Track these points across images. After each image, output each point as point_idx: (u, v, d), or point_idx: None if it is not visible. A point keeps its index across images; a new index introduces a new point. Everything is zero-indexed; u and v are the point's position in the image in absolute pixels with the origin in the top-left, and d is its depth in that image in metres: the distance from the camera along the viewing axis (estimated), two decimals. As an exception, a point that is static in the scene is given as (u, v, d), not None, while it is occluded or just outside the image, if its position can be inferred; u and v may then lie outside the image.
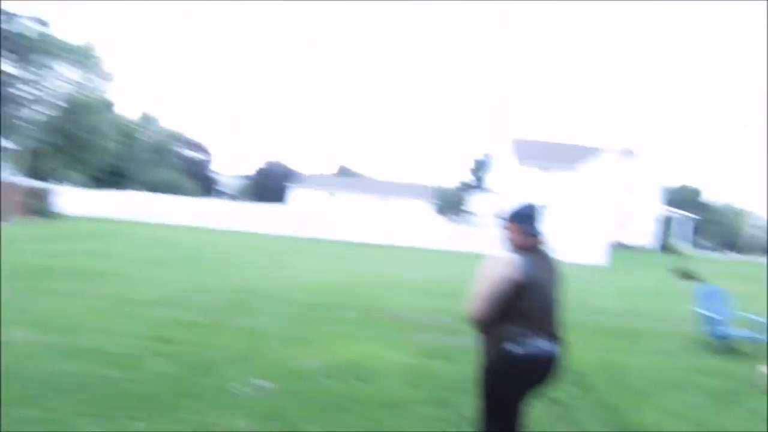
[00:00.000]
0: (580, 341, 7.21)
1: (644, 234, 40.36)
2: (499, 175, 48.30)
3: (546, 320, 2.76)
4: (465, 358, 5.82)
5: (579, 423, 4.32)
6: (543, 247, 2.89)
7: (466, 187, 65.42)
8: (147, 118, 62.49)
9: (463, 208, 54.79)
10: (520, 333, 2.67)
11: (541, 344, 2.69)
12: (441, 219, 43.89)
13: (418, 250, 23.34)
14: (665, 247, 39.38)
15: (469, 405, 4.48)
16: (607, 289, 13.92)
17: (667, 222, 43.83)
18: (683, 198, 63.53)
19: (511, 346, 2.67)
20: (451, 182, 70.27)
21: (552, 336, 2.75)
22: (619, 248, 34.24)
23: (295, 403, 4.20)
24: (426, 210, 51.05)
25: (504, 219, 2.91)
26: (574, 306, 10.21)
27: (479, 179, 62.34)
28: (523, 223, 2.85)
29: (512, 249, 2.83)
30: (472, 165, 68.15)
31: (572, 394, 4.95)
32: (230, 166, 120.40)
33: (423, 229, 26.11)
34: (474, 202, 50.67)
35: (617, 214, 39.70)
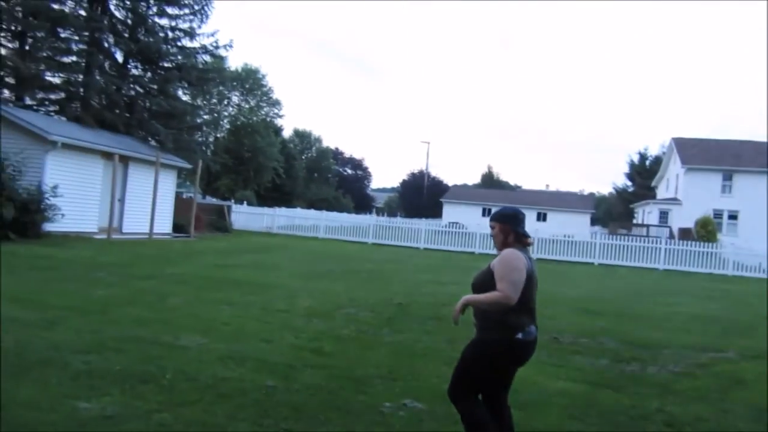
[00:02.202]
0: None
1: None
2: (664, 180, 44.09)
3: (535, 309, 3.14)
4: (639, 390, 5.19)
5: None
6: (528, 248, 3.22)
7: (626, 194, 60.55)
8: (307, 136, 66.83)
9: (625, 218, 50.74)
10: (525, 321, 3.04)
11: (533, 330, 3.09)
12: (599, 230, 41.11)
13: (573, 264, 21.96)
14: None
15: (645, 445, 3.94)
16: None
17: None
18: None
19: (520, 334, 3.02)
20: (607, 188, 65.39)
21: (535, 322, 3.13)
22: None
23: (447, 427, 3.97)
24: (583, 221, 48.15)
25: (495, 220, 3.24)
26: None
27: (639, 184, 57.34)
28: (513, 224, 3.20)
29: (501, 248, 3.17)
30: (627, 169, 62.83)
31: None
32: (376, 178, 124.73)
33: (579, 241, 24.50)
34: (639, 210, 46.61)
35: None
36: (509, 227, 3.21)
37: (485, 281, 3.08)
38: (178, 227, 20.39)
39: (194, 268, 11.64)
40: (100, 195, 16.90)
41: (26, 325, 5.61)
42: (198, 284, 9.43)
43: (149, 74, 24.87)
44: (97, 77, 22.85)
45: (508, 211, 3.32)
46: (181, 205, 21.54)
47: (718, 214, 35.49)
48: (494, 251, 3.24)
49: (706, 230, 31.03)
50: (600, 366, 5.98)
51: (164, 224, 19.69)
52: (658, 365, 6.17)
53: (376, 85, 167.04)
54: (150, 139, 24.25)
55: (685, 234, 31.46)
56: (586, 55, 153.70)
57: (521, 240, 3.20)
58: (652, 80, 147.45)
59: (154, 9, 24.01)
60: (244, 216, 28.01)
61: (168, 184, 20.14)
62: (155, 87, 24.27)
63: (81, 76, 22.47)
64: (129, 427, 3.50)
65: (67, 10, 21.53)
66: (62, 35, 22.13)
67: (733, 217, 36.21)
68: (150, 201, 18.12)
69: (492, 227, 3.26)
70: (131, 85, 24.44)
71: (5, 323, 5.57)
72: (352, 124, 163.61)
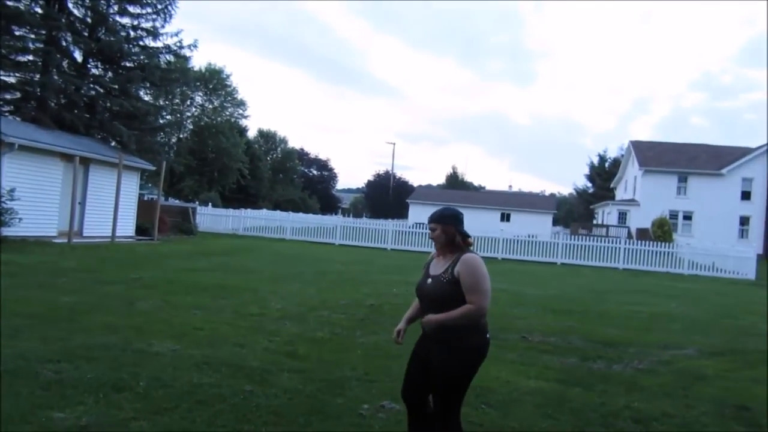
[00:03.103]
0: (740, 370, 6.40)
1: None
2: (623, 182, 45.39)
3: None
4: (606, 387, 5.36)
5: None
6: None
7: (586, 195, 62.10)
8: (272, 137, 66.23)
9: (586, 218, 52.03)
10: (486, 322, 3.09)
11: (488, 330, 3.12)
12: (560, 230, 42.00)
13: (537, 264, 22.41)
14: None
15: (616, 440, 4.09)
16: (760, 307, 12.34)
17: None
18: None
19: (488, 334, 3.10)
20: (567, 189, 67.13)
21: None
22: (766, 258, 30.56)
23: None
24: (546, 222, 49.10)
25: (436, 222, 3.15)
26: (728, 328, 9.18)
27: (598, 186, 58.92)
28: (456, 224, 3.12)
29: (448, 250, 3.13)
30: (587, 171, 64.49)
31: (738, 434, 4.34)
32: (341, 179, 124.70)
33: (542, 242, 25.00)
34: (599, 211, 47.85)
35: (767, 220, 35.55)
36: (452, 228, 3.12)
37: (450, 292, 3.00)
38: (142, 230, 19.96)
39: (161, 272, 11.43)
40: (60, 198, 16.40)
41: (-10, 334, 5.43)
42: (166, 288, 9.27)
43: (110, 74, 24.20)
44: (55, 77, 22.10)
45: (450, 212, 3.19)
46: (144, 207, 21.08)
47: (673, 215, 36.76)
48: None
49: (662, 230, 32.09)
50: (569, 364, 6.16)
51: (127, 227, 19.24)
52: (623, 363, 6.39)
53: (341, 87, 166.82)
54: (111, 140, 23.62)
55: (642, 234, 32.47)
56: (548, 57, 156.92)
57: (466, 241, 3.13)
58: (610, 82, 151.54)
59: (115, 8, 23.37)
60: (209, 218, 27.62)
61: (131, 186, 19.68)
62: (116, 87, 23.64)
63: (38, 76, 21.72)
64: (107, 436, 3.45)
65: (22, 7, 20.76)
66: (17, 33, 21.34)
67: (687, 217, 37.57)
68: (112, 203, 17.68)
69: (433, 229, 3.15)
70: (91, 85, 23.73)
71: (-32, 332, 5.39)
72: (317, 125, 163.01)
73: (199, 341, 5.96)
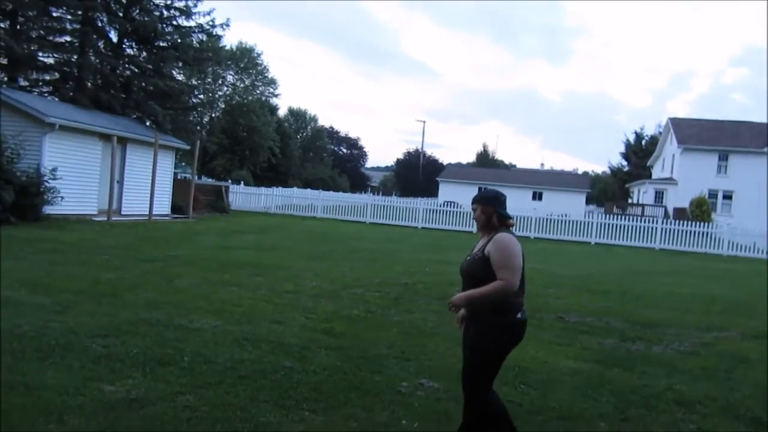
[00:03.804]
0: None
1: None
2: (660, 160, 44.20)
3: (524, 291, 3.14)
4: (646, 368, 5.29)
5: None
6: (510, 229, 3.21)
7: (621, 173, 60.69)
8: (302, 116, 66.39)
9: (620, 197, 50.97)
10: (521, 301, 3.09)
11: (524, 311, 3.12)
12: (594, 209, 41.29)
13: (570, 243, 22.11)
14: None
15: (658, 422, 4.04)
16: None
17: None
18: None
19: (520, 314, 3.07)
20: (601, 168, 65.81)
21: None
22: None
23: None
24: (579, 201, 48.30)
25: (477, 202, 3.24)
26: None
27: (634, 164, 57.45)
28: (495, 205, 3.19)
29: (486, 230, 3.20)
30: (622, 149, 62.81)
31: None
32: (371, 157, 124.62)
33: (575, 221, 24.60)
34: (634, 190, 46.79)
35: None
36: (491, 209, 3.20)
37: (481, 270, 3.06)
38: (177, 208, 20.35)
39: (197, 249, 11.66)
40: (99, 177, 16.80)
41: (40, 310, 5.64)
42: (203, 266, 9.46)
43: (144, 54, 24.50)
44: (92, 57, 22.49)
45: (490, 193, 3.29)
46: (178, 186, 21.46)
47: (713, 194, 35.67)
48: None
49: (700, 210, 31.24)
50: (607, 345, 6.09)
51: (163, 205, 19.63)
52: (663, 344, 6.29)
53: (371, 65, 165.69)
54: (147, 119, 24.02)
55: (680, 214, 31.65)
56: (585, 34, 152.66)
57: (504, 222, 3.20)
58: (647, 58, 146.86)
59: (149, -13, 23.56)
60: (242, 196, 27.95)
61: (166, 165, 20.04)
62: (151, 67, 23.91)
63: (75, 56, 22.10)
64: (155, 409, 3.56)
65: (59, -12, 21.10)
66: (55, 14, 21.71)
67: (727, 197, 36.42)
68: (149, 182, 18.03)
69: (474, 209, 3.26)
70: (126, 65, 24.08)
71: (20, 307, 5.60)
72: (347, 104, 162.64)
73: (238, 318, 6.08)
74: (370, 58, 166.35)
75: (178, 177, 29.09)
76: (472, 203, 3.29)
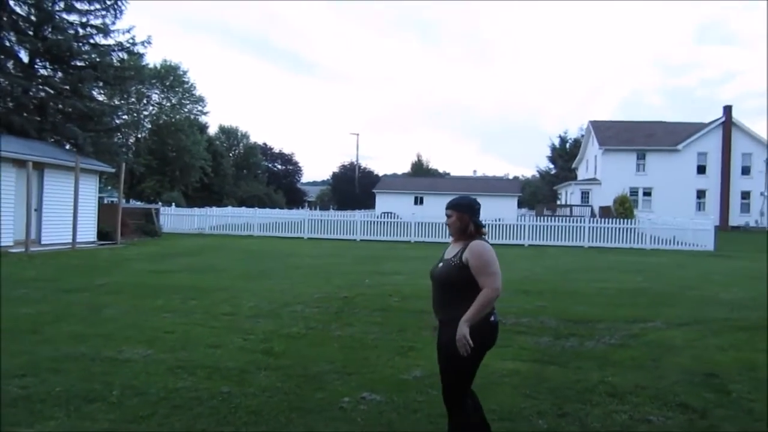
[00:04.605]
0: (706, 339, 6.62)
1: (750, 213, 37.11)
2: (584, 162, 46.29)
3: None
4: (580, 363, 5.47)
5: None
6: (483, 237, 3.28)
7: (549, 176, 63.13)
8: (234, 133, 65.18)
9: (550, 199, 52.93)
10: (492, 306, 3.14)
11: (496, 314, 3.21)
12: (526, 212, 42.68)
13: (505, 246, 22.71)
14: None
15: (592, 415, 4.17)
16: (720, 277, 12.82)
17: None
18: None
19: (493, 317, 3.16)
20: (531, 171, 68.43)
21: None
22: (723, 229, 31.69)
23: (406, 417, 4.05)
24: (511, 205, 49.77)
25: (453, 209, 3.27)
26: (692, 299, 9.47)
27: (560, 167, 59.95)
28: (471, 214, 3.25)
29: (462, 237, 3.24)
30: (549, 152, 65.58)
31: (707, 400, 4.49)
32: (306, 172, 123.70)
33: (509, 225, 25.33)
34: (562, 191, 48.71)
35: (722, 193, 36.79)
36: (467, 217, 3.24)
37: (458, 276, 3.11)
38: (104, 234, 19.41)
39: (126, 276, 11.15)
40: (14, 205, 15.79)
41: (-51, 352, 5.20)
42: (133, 293, 9.04)
43: (60, 74, 23.37)
44: (0, 79, 21.24)
45: (465, 201, 3.31)
46: (105, 211, 20.48)
47: (634, 192, 37.73)
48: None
49: (624, 207, 32.92)
50: (543, 344, 6.26)
51: (88, 232, 18.68)
52: (595, 339, 6.53)
53: (302, 79, 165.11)
54: (66, 143, 22.86)
55: (605, 212, 33.24)
56: (506, 42, 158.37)
57: (479, 230, 3.25)
58: (567, 66, 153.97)
59: (62, 4, 22.52)
60: (173, 218, 27.04)
61: (89, 189, 19.08)
62: (68, 87, 22.84)
63: (-19, 79, 20.85)
64: (81, 449, 3.34)
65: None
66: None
67: (647, 193, 38.61)
68: (71, 209, 17.12)
69: (449, 215, 3.28)
70: (40, 86, 22.89)
71: (-76, 351, 5.15)
72: (279, 119, 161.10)
73: (172, 345, 5.83)
74: (300, 70, 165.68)
75: (105, 201, 27.86)
76: (447, 208, 3.31)
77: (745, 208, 37.14)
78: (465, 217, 3.25)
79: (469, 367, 3.13)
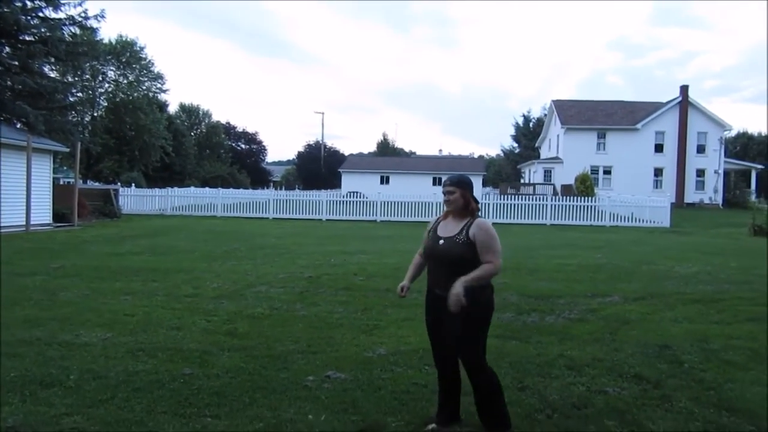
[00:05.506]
0: (661, 312, 6.85)
1: (704, 190, 38.40)
2: (547, 141, 46.97)
3: None
4: (540, 338, 5.60)
5: (671, 401, 4.02)
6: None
7: (513, 155, 63.90)
8: (195, 111, 63.68)
9: (514, 178, 53.63)
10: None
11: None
12: (490, 191, 43.17)
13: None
14: (729, 202, 37.41)
15: (551, 387, 4.28)
16: (675, 252, 13.27)
17: (733, 175, 41.56)
18: (746, 147, 60.04)
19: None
20: (495, 151, 69.27)
21: None
22: (679, 206, 32.74)
23: (371, 394, 4.08)
24: (476, 183, 50.22)
25: (457, 185, 3.34)
26: (647, 274, 9.77)
27: (524, 146, 60.73)
28: (469, 190, 3.35)
29: (462, 213, 3.34)
30: (513, 132, 66.30)
31: (660, 371, 4.66)
32: (271, 152, 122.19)
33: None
34: (526, 170, 49.39)
35: (678, 171, 37.91)
36: (469, 193, 3.36)
37: (468, 252, 3.23)
38: (60, 216, 18.82)
39: (84, 258, 10.86)
40: (-37, 186, 15.14)
41: None
42: (91, 275, 8.82)
43: (8, 49, 22.32)
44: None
45: (466, 178, 3.43)
46: (60, 192, 19.83)
47: (594, 170, 38.51)
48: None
49: (585, 186, 33.61)
50: (505, 319, 6.37)
51: (42, 214, 18.07)
52: (555, 314, 6.69)
53: (266, 58, 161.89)
54: (16, 121, 21.93)
55: (567, 190, 33.90)
56: (472, 23, 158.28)
57: (477, 207, 3.39)
58: (531, 47, 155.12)
59: (7, -25, 21.41)
60: (134, 199, 26.40)
61: (43, 169, 18.41)
62: (17, 63, 21.86)
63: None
64: (37, 435, 3.26)
65: None
66: None
67: (607, 172, 39.47)
68: (23, 190, 16.51)
69: (452, 191, 3.35)
70: (-13, 62, 21.85)
71: None
72: (242, 98, 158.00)
73: (132, 327, 5.72)
74: (265, 50, 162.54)
75: (60, 182, 26.95)
76: (449, 185, 3.36)
77: (700, 186, 38.36)
78: (467, 193, 3.35)
79: (487, 330, 3.37)
